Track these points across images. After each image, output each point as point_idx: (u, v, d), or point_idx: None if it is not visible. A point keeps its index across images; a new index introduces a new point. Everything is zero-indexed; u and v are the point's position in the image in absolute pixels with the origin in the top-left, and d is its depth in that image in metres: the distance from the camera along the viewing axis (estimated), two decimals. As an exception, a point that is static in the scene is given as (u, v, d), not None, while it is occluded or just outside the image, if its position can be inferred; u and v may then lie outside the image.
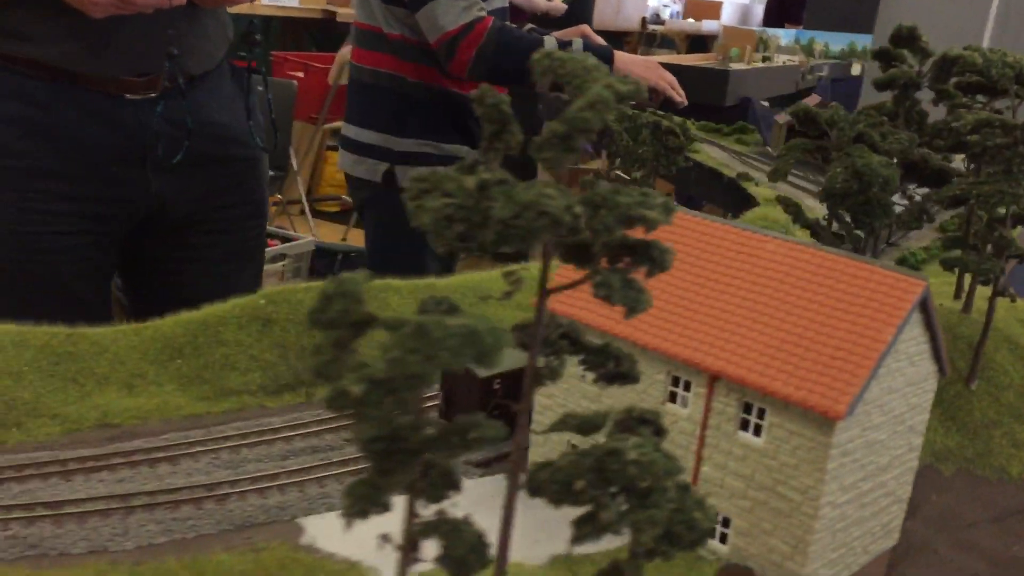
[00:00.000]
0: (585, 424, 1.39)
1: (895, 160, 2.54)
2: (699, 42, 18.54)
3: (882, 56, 2.85)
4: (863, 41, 15.53)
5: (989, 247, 2.49)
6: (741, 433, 1.86)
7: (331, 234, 9.22)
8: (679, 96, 5.12)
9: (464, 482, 1.95)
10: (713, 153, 6.41)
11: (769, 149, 6.90)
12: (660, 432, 1.39)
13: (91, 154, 3.27)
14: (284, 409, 2.44)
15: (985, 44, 9.72)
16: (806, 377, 1.75)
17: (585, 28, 5.05)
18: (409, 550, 1.28)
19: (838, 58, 15.39)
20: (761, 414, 1.82)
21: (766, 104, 12.07)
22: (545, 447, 2.19)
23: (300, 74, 9.74)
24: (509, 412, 2.29)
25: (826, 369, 1.74)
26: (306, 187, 9.85)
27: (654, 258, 1.30)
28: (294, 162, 9.19)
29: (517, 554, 1.60)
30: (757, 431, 1.83)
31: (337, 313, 1.20)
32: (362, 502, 1.21)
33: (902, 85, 2.74)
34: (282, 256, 6.66)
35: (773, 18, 18.53)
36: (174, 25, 3.31)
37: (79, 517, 1.88)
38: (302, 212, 9.28)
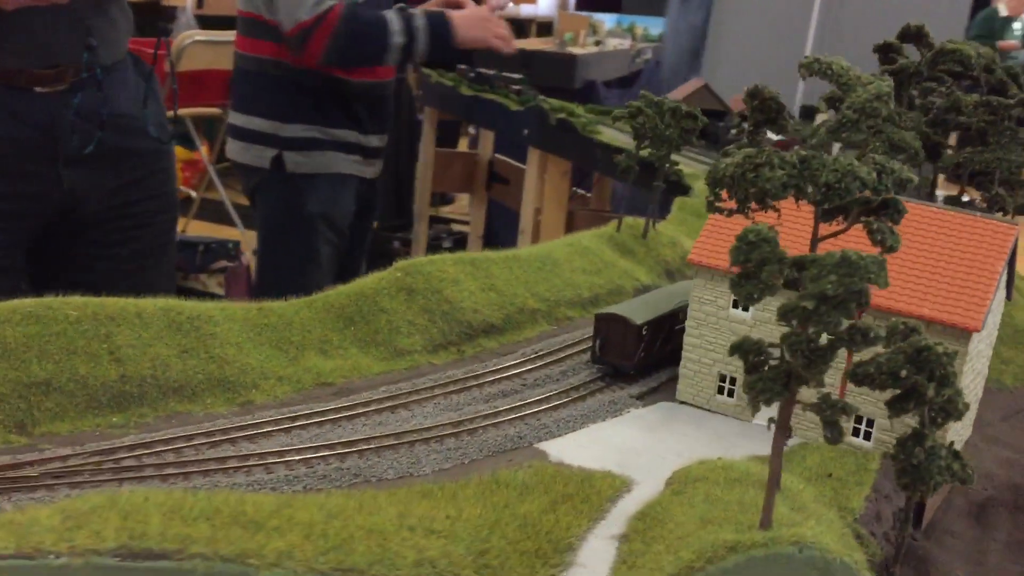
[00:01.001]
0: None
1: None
2: (517, 25, 19.15)
3: (884, 50, 3.45)
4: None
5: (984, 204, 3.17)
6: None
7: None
8: (508, 47, 5.10)
9: (630, 410, 2.48)
10: (611, 135, 6.87)
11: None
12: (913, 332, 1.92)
13: (1, 149, 3.22)
14: (447, 365, 2.85)
15: (808, 44, 10.81)
16: (943, 302, 2.34)
17: None
18: (784, 429, 1.78)
19: (658, 41, 16.32)
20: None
21: (605, 87, 12.88)
22: (696, 379, 2.70)
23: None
24: (652, 352, 2.79)
25: (959, 295, 2.33)
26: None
27: (898, 210, 1.85)
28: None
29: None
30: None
31: (759, 255, 1.67)
32: (767, 393, 1.70)
33: (908, 75, 3.36)
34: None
35: (587, 2, 19.36)
36: (88, 15, 3.28)
37: (376, 452, 2.25)
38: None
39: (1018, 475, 2.71)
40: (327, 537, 1.65)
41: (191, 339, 2.51)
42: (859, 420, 2.48)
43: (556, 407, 2.58)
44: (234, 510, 1.65)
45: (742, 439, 2.53)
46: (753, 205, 1.93)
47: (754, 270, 1.65)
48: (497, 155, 9.38)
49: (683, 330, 2.89)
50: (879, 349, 1.82)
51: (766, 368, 1.74)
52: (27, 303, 2.35)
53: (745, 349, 1.75)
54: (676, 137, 3.71)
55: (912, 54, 3.40)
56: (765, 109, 1.97)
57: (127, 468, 2.05)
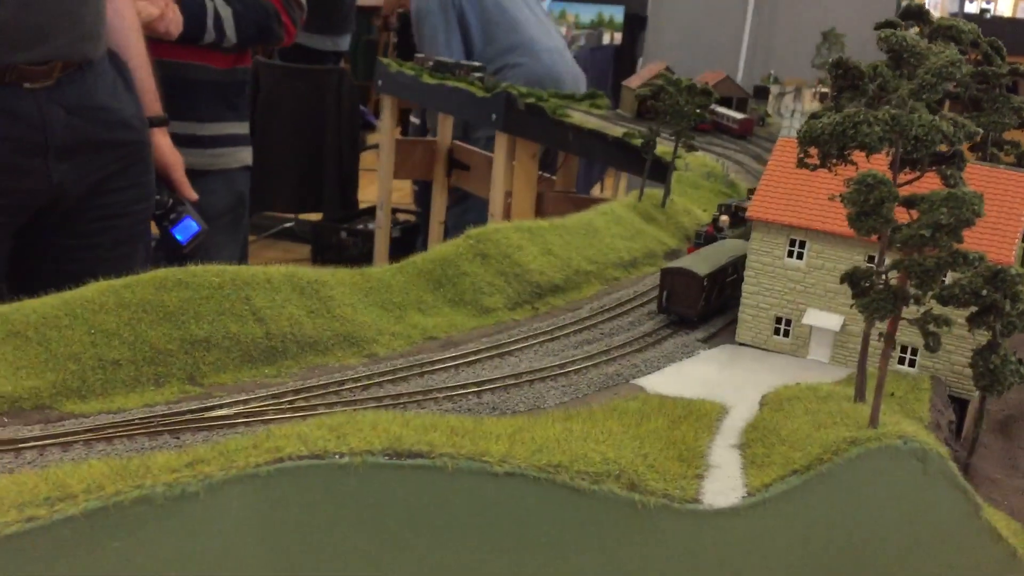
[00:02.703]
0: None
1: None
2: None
3: (885, 27, 3.83)
4: (610, 11, 16.90)
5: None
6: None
7: None
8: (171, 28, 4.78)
9: (699, 352, 2.84)
10: (581, 118, 7.19)
11: (620, 112, 7.86)
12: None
13: None
14: (527, 320, 3.16)
15: (747, 24, 11.31)
16: (979, 241, 2.73)
17: None
18: (892, 341, 2.14)
19: (589, 28, 16.71)
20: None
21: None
22: (754, 322, 3.06)
23: None
24: (711, 301, 3.15)
25: (991, 235, 2.72)
26: None
27: (964, 160, 2.23)
28: None
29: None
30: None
31: (877, 195, 2.02)
32: (880, 311, 2.06)
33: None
34: None
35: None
36: (79, 8, 3.36)
37: (504, 390, 2.56)
38: None
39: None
40: (526, 444, 1.96)
41: (314, 301, 2.78)
42: (904, 350, 2.87)
43: (639, 350, 2.91)
44: (447, 425, 1.95)
45: (802, 371, 2.90)
46: (831, 161, 2.29)
47: (873, 208, 2.00)
48: (456, 142, 9.64)
49: (734, 281, 3.26)
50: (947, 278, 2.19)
51: (874, 291, 2.10)
52: (175, 271, 2.59)
53: (856, 276, 2.11)
54: (693, 112, 4.07)
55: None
56: (848, 76, 2.32)
57: (303, 407, 2.32)
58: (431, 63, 8.85)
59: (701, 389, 2.71)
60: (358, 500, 1.74)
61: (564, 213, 3.83)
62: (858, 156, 2.31)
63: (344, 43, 12.35)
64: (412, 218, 12.56)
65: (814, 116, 2.37)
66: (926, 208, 1.97)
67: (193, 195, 4.10)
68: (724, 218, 3.90)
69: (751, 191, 4.31)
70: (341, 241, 11.96)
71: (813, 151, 2.33)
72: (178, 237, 3.90)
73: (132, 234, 3.87)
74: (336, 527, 1.74)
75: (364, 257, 11.01)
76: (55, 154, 3.40)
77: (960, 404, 2.83)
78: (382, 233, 9.85)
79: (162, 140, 4.08)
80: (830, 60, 2.35)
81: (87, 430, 2.08)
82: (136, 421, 2.15)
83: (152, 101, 4.04)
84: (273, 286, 2.73)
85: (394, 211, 12.53)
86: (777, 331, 3.04)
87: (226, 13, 5.13)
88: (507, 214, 8.02)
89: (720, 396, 2.67)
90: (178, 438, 2.11)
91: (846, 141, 2.17)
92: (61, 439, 2.03)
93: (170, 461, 1.70)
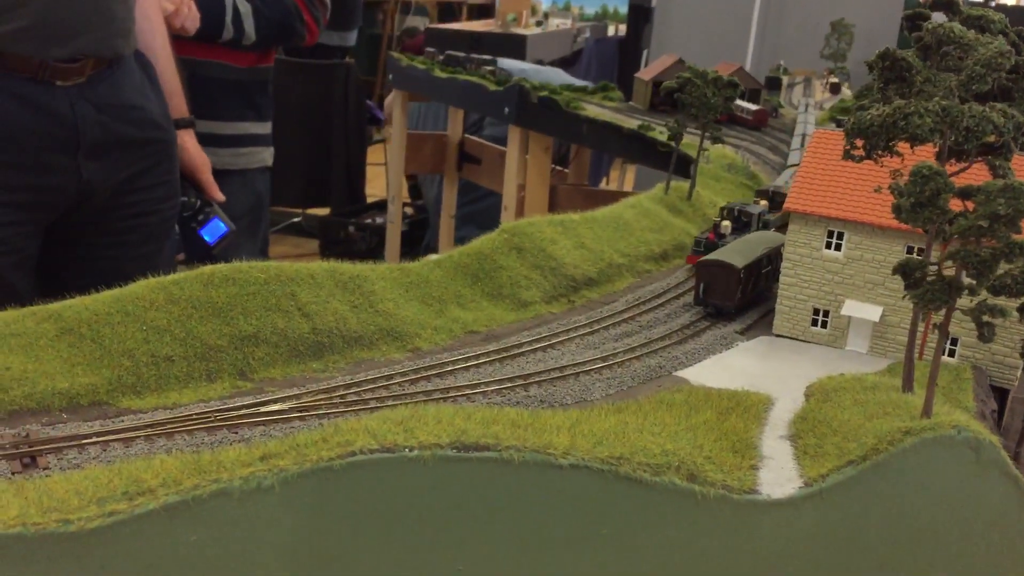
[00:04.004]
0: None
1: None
2: (448, 9, 19.37)
3: (912, 18, 3.83)
4: (615, 3, 16.91)
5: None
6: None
7: None
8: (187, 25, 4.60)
9: (738, 343, 2.85)
10: (595, 110, 7.20)
11: (633, 104, 7.86)
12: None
13: (23, 143, 3.29)
14: (564, 314, 3.18)
15: (755, 15, 11.28)
16: None
17: None
18: (946, 332, 2.15)
19: (594, 20, 16.72)
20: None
21: (551, 66, 13.21)
22: (791, 313, 3.07)
23: None
24: (747, 293, 3.16)
25: None
26: None
27: (1011, 151, 2.24)
28: None
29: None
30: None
31: (933, 186, 2.03)
32: (935, 302, 2.07)
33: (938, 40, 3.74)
34: None
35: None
36: (112, 5, 3.35)
37: (550, 383, 2.58)
38: None
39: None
40: (586, 436, 1.97)
41: (357, 296, 2.79)
42: (943, 339, 2.87)
43: (679, 342, 2.93)
44: (507, 418, 1.97)
45: (842, 362, 2.91)
46: (877, 153, 2.30)
47: (929, 198, 2.01)
48: (467, 135, 9.65)
49: (768, 273, 3.27)
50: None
51: (928, 282, 2.11)
52: (222, 268, 2.61)
53: (910, 267, 2.12)
54: (719, 104, 4.08)
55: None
56: (895, 68, 2.33)
57: (355, 402, 2.34)
58: (442, 57, 8.85)
59: (744, 380, 2.72)
60: (428, 493, 1.76)
61: (577, 207, 3.82)
62: (901, 147, 2.32)
63: (351, 38, 12.35)
64: (418, 212, 12.56)
65: (861, 108, 2.38)
66: (983, 199, 1.98)
67: (220, 196, 4.10)
68: (726, 223, 3.77)
69: (758, 192, 4.28)
70: (349, 235, 11.96)
71: (859, 143, 2.35)
72: (206, 238, 3.91)
73: (159, 232, 3.87)
74: (407, 520, 1.75)
75: (372, 251, 11.03)
76: (85, 152, 3.40)
77: (1000, 393, 2.84)
78: (394, 227, 9.85)
79: (189, 141, 4.08)
80: (876, 53, 2.36)
81: (146, 425, 2.09)
82: (194, 416, 2.16)
83: (179, 103, 4.04)
84: (317, 281, 2.75)
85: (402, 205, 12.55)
86: (815, 322, 3.05)
87: (245, 10, 5.12)
88: (520, 208, 8.03)
89: (764, 387, 2.68)
90: (236, 432, 2.13)
91: (896, 133, 2.18)
92: (122, 435, 2.04)
93: (242, 455, 1.71)
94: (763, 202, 3.93)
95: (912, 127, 2.14)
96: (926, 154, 2.37)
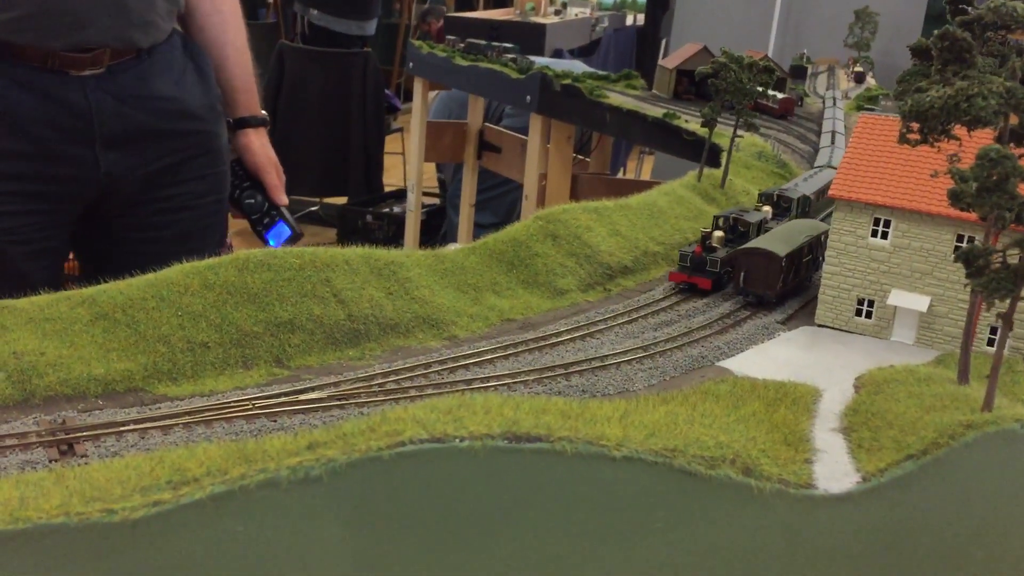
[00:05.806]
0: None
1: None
2: (466, -2, 19.31)
3: (954, 2, 3.75)
4: (634, -7, 16.80)
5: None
6: None
7: None
8: None
9: (780, 333, 2.78)
10: (618, 99, 7.13)
11: (656, 92, 7.78)
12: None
13: (30, 131, 3.23)
14: (599, 302, 3.11)
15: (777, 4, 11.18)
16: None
17: None
18: (1009, 322, 2.08)
19: (612, 9, 16.63)
20: None
21: (570, 54, 13.14)
22: (835, 303, 3.00)
23: None
24: (788, 282, 3.09)
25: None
26: None
27: None
28: None
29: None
30: None
31: (1002, 170, 1.95)
32: (1000, 291, 2.00)
33: (983, 25, 3.66)
34: None
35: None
36: None
37: (592, 372, 2.51)
38: None
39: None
40: (637, 427, 1.91)
41: (392, 282, 2.73)
42: (994, 331, 2.80)
43: (720, 332, 2.86)
44: (556, 408, 1.90)
45: (888, 353, 2.83)
46: (933, 136, 2.23)
47: (996, 183, 1.94)
48: (487, 124, 9.58)
49: (809, 262, 3.20)
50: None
51: (992, 270, 2.04)
52: (255, 253, 2.55)
53: (973, 255, 2.05)
54: (754, 91, 4.00)
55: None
56: (955, 50, 2.26)
57: (394, 390, 2.28)
58: (462, 45, 8.78)
59: (789, 371, 2.65)
60: (479, 484, 1.70)
61: (599, 196, 3.72)
62: (957, 131, 2.25)
63: (371, 27, 12.30)
64: (438, 201, 12.52)
65: (919, 90, 2.31)
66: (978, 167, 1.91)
67: (285, 199, 3.97)
68: (718, 234, 3.30)
69: (761, 196, 4.11)
70: (367, 224, 11.94)
71: (914, 126, 2.27)
72: (271, 242, 3.81)
73: (199, 228, 3.75)
74: (457, 512, 1.69)
75: (390, 240, 10.98)
76: (103, 143, 3.33)
77: (1051, 387, 2.77)
78: (413, 216, 9.80)
79: (256, 141, 3.92)
80: (935, 33, 2.28)
81: (185, 412, 2.04)
82: (231, 404, 2.10)
83: (248, 99, 3.90)
84: (352, 267, 2.69)
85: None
86: (859, 312, 2.97)
87: None
88: (542, 197, 7.97)
89: (810, 378, 2.61)
90: (275, 421, 2.07)
91: (958, 115, 2.11)
92: (160, 422, 1.99)
93: (287, 444, 1.65)
94: (766, 208, 3.80)
95: (976, 109, 2.07)
96: (984, 138, 2.29)
